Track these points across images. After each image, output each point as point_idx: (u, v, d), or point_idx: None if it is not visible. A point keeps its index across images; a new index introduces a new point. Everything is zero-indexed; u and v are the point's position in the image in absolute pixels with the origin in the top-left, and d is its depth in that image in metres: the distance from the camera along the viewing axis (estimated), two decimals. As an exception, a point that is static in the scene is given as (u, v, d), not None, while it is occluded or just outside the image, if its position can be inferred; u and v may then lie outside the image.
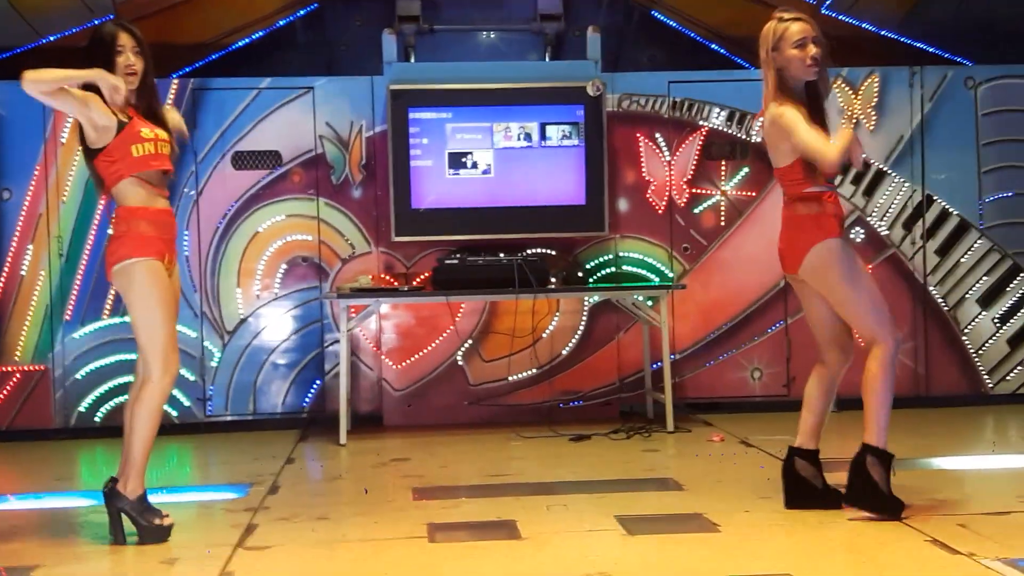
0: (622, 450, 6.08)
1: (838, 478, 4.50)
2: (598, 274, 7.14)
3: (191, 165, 6.93)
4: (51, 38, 7.06)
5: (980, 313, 7.28)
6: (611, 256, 7.17)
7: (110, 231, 4.32)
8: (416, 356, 7.06)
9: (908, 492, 4.64)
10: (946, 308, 7.27)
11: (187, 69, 7.50)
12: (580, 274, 6.93)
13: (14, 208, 6.80)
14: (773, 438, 6.16)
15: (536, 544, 4.13)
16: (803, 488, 4.50)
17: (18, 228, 6.81)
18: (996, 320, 7.28)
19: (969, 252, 7.26)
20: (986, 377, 7.29)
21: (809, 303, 4.52)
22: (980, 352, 7.28)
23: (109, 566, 4.10)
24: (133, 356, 4.47)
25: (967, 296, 7.27)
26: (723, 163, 7.22)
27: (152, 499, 4.36)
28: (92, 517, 4.77)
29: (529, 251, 6.89)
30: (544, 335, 7.09)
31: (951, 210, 7.25)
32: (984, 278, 7.27)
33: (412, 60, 7.45)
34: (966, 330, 7.28)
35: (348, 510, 4.79)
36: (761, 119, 4.51)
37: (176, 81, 6.98)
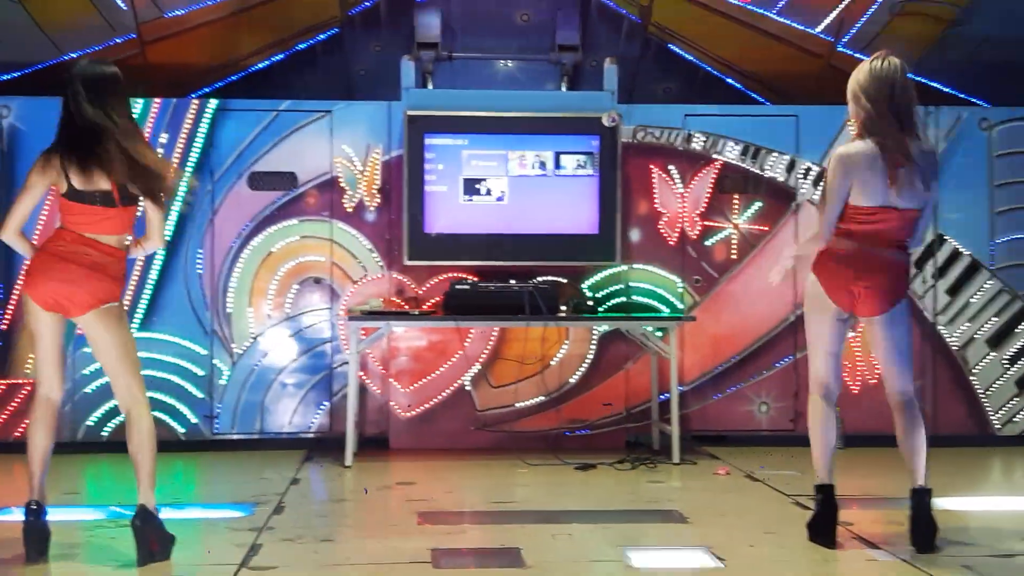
0: (627, 481, 6.08)
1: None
2: (608, 303, 7.16)
3: (208, 184, 6.98)
4: (73, 55, 7.13)
5: (989, 354, 7.27)
6: (622, 286, 7.19)
7: (107, 264, 4.35)
8: (424, 380, 7.08)
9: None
10: (955, 348, 7.26)
11: (206, 89, 7.57)
12: (590, 303, 6.95)
13: (30, 222, 6.81)
14: (779, 473, 6.17)
15: (541, 573, 4.14)
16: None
17: (33, 241, 6.83)
18: (1005, 361, 7.27)
19: (979, 292, 7.27)
20: (994, 418, 7.27)
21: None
22: (988, 393, 7.27)
23: (114, 581, 4.11)
24: (145, 372, 4.53)
25: (976, 336, 7.27)
26: (736, 197, 7.25)
27: (161, 515, 4.37)
28: (99, 532, 4.79)
29: (540, 279, 6.92)
30: (553, 363, 7.10)
31: (963, 250, 7.26)
32: (994, 319, 7.27)
33: (430, 86, 7.50)
34: (975, 370, 7.27)
35: (353, 532, 4.80)
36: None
37: (196, 101, 7.05)
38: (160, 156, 4.47)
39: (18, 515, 4.43)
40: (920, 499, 4.44)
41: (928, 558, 4.29)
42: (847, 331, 4.64)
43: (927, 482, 4.45)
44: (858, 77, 4.49)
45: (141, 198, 4.36)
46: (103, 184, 4.28)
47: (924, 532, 4.42)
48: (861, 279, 4.45)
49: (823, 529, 4.52)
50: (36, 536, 4.29)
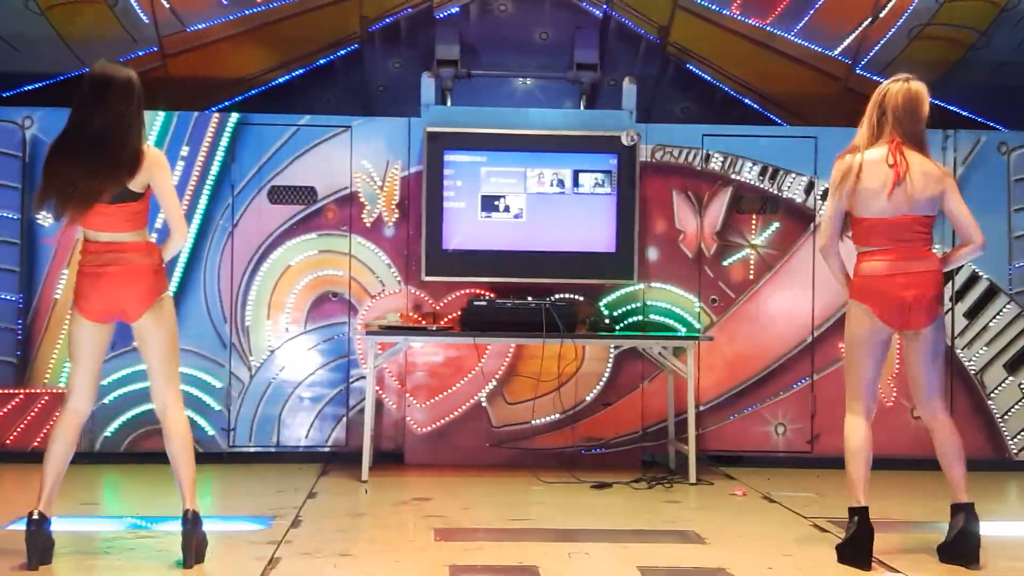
0: (643, 500, 6.07)
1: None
2: (625, 322, 7.17)
3: (228, 198, 7.02)
4: (95, 67, 7.18)
5: (1007, 378, 7.25)
6: (639, 305, 7.20)
7: (144, 261, 4.40)
8: (441, 396, 7.09)
9: (932, 555, 4.63)
10: (973, 372, 7.25)
11: (227, 103, 7.63)
12: (607, 321, 6.96)
13: (51, 232, 6.89)
14: (796, 494, 6.15)
15: (558, 591, 4.14)
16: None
17: (54, 252, 6.90)
18: (1023, 386, 7.25)
19: (998, 316, 7.26)
20: (1011, 443, 7.25)
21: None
22: (1006, 417, 7.25)
23: (133, 593, 4.12)
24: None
25: (994, 360, 7.26)
26: (754, 217, 7.26)
27: (176, 526, 4.40)
28: (117, 543, 4.81)
29: (557, 296, 6.93)
30: (569, 380, 7.10)
31: (981, 274, 7.25)
32: (1012, 343, 7.25)
33: (449, 103, 7.54)
34: (992, 395, 7.25)
35: (370, 547, 4.80)
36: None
37: (216, 115, 7.09)
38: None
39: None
40: (968, 514, 4.53)
41: (947, 582, 4.27)
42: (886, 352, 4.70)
43: (970, 496, 4.55)
44: (891, 91, 4.61)
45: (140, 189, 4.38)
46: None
47: (972, 547, 4.50)
48: (911, 294, 4.51)
49: (860, 551, 4.51)
50: (38, 545, 4.29)
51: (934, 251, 4.66)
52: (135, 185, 4.36)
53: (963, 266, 7.08)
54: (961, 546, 4.53)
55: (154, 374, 4.48)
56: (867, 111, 4.69)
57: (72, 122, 4.35)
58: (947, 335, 4.74)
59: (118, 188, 4.31)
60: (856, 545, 4.52)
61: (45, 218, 6.85)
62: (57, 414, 4.49)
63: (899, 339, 4.76)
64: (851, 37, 7.54)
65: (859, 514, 4.52)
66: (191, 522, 4.33)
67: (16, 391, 6.90)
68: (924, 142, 4.67)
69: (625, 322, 7.17)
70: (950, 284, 7.23)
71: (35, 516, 4.29)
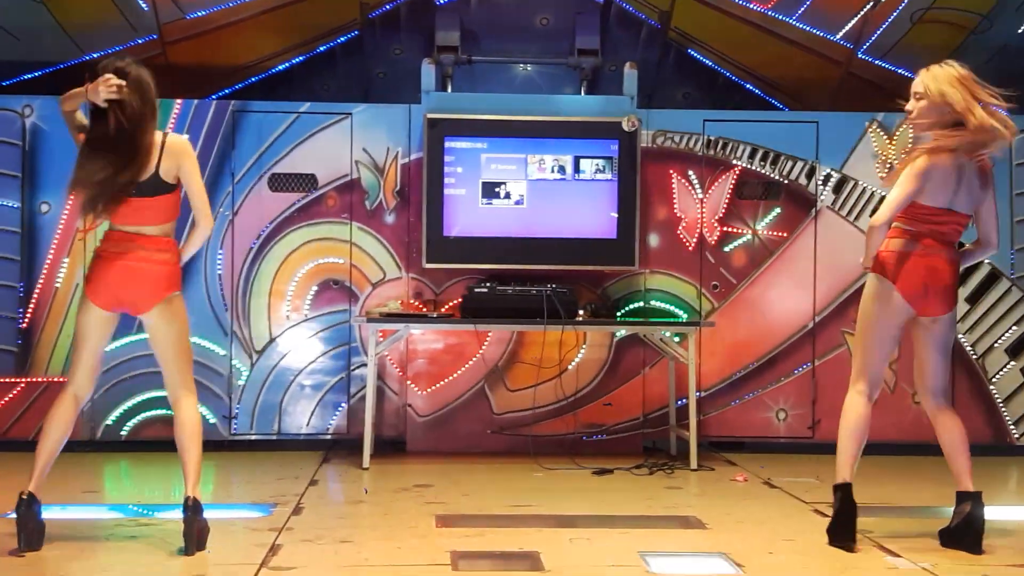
0: (645, 486, 6.08)
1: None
2: (626, 308, 7.16)
3: (228, 186, 7.01)
4: (94, 55, 7.17)
5: (1009, 363, 7.25)
6: (640, 291, 7.20)
7: (161, 257, 4.42)
8: (442, 383, 7.09)
9: (932, 540, 4.64)
10: (974, 356, 7.24)
11: (227, 91, 7.61)
12: (608, 308, 6.95)
13: (52, 221, 6.89)
14: (798, 480, 6.15)
15: (559, 577, 4.14)
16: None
17: (55, 241, 6.89)
18: (1025, 370, 7.26)
19: (999, 301, 7.24)
20: (1012, 427, 7.24)
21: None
22: (1007, 402, 7.24)
23: (134, 580, 4.13)
24: (160, 371, 4.57)
25: (996, 345, 7.25)
26: (755, 203, 7.24)
27: (178, 514, 4.41)
28: (118, 530, 4.82)
29: (558, 283, 6.93)
30: (570, 367, 7.10)
31: (983, 259, 7.22)
32: (1013, 328, 7.24)
33: (449, 90, 7.52)
34: (994, 379, 7.24)
35: (371, 534, 4.81)
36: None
37: (216, 102, 7.07)
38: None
39: (48, 512, 4.46)
40: (975, 502, 4.53)
41: (948, 567, 4.27)
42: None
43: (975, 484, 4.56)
44: (946, 78, 4.53)
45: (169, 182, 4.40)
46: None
47: (977, 533, 4.50)
48: (935, 281, 4.53)
49: (843, 529, 4.52)
50: (28, 527, 4.31)
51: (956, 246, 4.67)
52: (166, 175, 4.39)
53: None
54: (965, 532, 4.52)
55: (166, 369, 4.52)
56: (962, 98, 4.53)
57: (92, 121, 4.37)
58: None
59: (141, 179, 4.34)
60: (840, 522, 4.53)
61: (45, 207, 6.86)
62: (56, 397, 4.48)
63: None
64: (853, 21, 7.51)
65: (843, 490, 4.53)
66: (192, 509, 4.34)
67: (17, 380, 6.90)
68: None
69: (626, 308, 7.16)
70: (952, 269, 7.22)
71: (25, 497, 4.30)
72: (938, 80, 4.55)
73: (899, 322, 4.61)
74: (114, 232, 4.43)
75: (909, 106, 4.65)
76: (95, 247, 4.51)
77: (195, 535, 4.35)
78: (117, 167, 4.30)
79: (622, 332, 7.09)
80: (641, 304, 7.18)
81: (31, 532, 4.32)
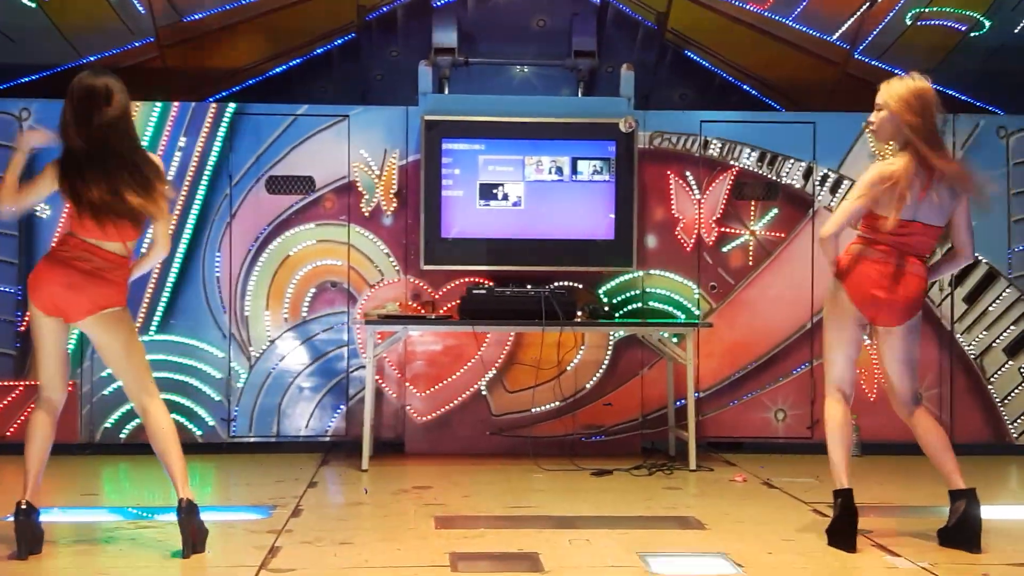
0: (644, 487, 6.08)
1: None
2: (624, 309, 7.16)
3: (226, 188, 7.01)
4: (91, 58, 7.18)
5: (1007, 362, 7.25)
6: (638, 292, 7.20)
7: (111, 274, 4.40)
8: (440, 384, 7.09)
9: (932, 539, 4.64)
10: (973, 356, 7.25)
11: (224, 93, 7.61)
12: (606, 308, 6.95)
13: (51, 225, 6.89)
14: (796, 480, 6.16)
15: (559, 577, 4.14)
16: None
17: (52, 244, 6.86)
18: (1023, 370, 7.25)
19: (997, 301, 7.25)
20: (1011, 427, 7.25)
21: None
22: (1006, 401, 7.25)
23: (134, 582, 4.13)
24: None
25: (994, 345, 7.25)
26: (753, 203, 7.25)
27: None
28: (119, 532, 4.81)
29: (556, 284, 6.93)
30: (568, 368, 7.10)
31: (980, 258, 7.23)
32: (1011, 327, 7.25)
33: (447, 92, 7.52)
34: (992, 379, 7.25)
35: (370, 536, 4.81)
36: None
37: (214, 105, 7.07)
38: (154, 167, 4.43)
39: (41, 516, 4.45)
40: (969, 500, 4.53)
41: (947, 567, 4.28)
42: (864, 336, 4.71)
43: (966, 482, 4.56)
44: (901, 94, 4.53)
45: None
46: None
47: (974, 531, 4.51)
48: (886, 290, 4.52)
49: (844, 533, 4.52)
50: (27, 535, 4.30)
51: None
52: None
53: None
54: (962, 531, 4.54)
55: (123, 379, 4.52)
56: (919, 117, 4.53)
57: (88, 136, 4.32)
58: (919, 337, 4.69)
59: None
60: (841, 526, 4.54)
61: (43, 210, 6.85)
62: (32, 406, 4.50)
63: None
64: (849, 22, 7.52)
65: (843, 496, 4.54)
66: (185, 511, 4.34)
67: (15, 383, 6.90)
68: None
69: (624, 309, 7.16)
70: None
71: (23, 506, 4.30)
72: (893, 95, 4.55)
73: (853, 324, 4.60)
74: (73, 239, 4.37)
75: (872, 116, 4.66)
76: (51, 248, 4.47)
77: (191, 537, 4.34)
78: (141, 192, 4.36)
79: (620, 333, 7.09)
80: (639, 305, 7.18)
81: (30, 539, 4.32)
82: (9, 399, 6.89)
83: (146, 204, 4.32)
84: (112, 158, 4.31)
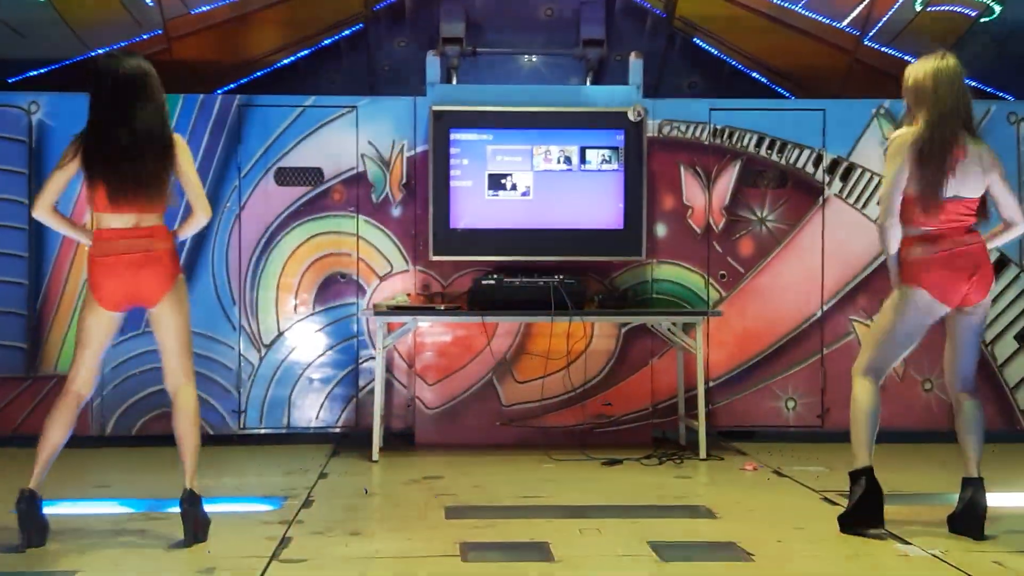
0: (654, 476, 6.08)
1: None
2: (634, 299, 7.15)
3: (234, 180, 7.02)
4: (99, 51, 7.18)
5: (1018, 350, 7.23)
6: (647, 281, 7.19)
7: (161, 246, 4.47)
8: (450, 375, 7.09)
9: (943, 527, 4.63)
10: (984, 343, 7.22)
11: (232, 85, 7.61)
12: (616, 298, 6.94)
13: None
14: (807, 468, 6.15)
15: (569, 567, 4.14)
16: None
17: (63, 238, 6.90)
18: (1034, 357, 7.24)
19: (1008, 288, 7.22)
20: (1022, 414, 7.22)
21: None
22: (1017, 389, 7.23)
23: (147, 574, 4.13)
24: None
25: (1005, 332, 7.23)
26: (762, 191, 7.22)
27: (189, 509, 4.43)
28: (129, 525, 4.83)
29: (566, 274, 6.92)
30: (578, 358, 7.10)
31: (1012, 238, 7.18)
32: (1022, 315, 7.22)
33: (455, 82, 7.51)
34: (1003, 366, 7.22)
35: (381, 526, 4.82)
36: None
37: (222, 97, 7.08)
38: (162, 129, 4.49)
39: (52, 508, 4.47)
40: (976, 487, 4.55)
41: (959, 554, 4.27)
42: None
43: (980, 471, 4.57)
44: (921, 73, 4.61)
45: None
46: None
47: (979, 518, 4.53)
48: (965, 270, 4.53)
49: (871, 512, 4.53)
50: (30, 524, 4.33)
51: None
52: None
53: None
54: (967, 517, 4.54)
55: (169, 355, 4.53)
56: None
57: (111, 118, 4.36)
58: None
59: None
60: (867, 505, 4.52)
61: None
62: (58, 397, 4.49)
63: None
64: (859, 8, 7.48)
65: (866, 474, 4.52)
66: (188, 501, 4.38)
67: (26, 377, 6.92)
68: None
69: (634, 299, 7.15)
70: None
71: (26, 494, 4.33)
72: (917, 68, 4.67)
73: (927, 325, 4.63)
74: (105, 231, 4.45)
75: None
76: (89, 251, 4.52)
77: (193, 527, 4.38)
78: (156, 166, 4.46)
79: (630, 323, 7.08)
80: (649, 294, 7.17)
81: (33, 529, 4.33)
82: (20, 393, 6.90)
83: (159, 171, 4.40)
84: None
